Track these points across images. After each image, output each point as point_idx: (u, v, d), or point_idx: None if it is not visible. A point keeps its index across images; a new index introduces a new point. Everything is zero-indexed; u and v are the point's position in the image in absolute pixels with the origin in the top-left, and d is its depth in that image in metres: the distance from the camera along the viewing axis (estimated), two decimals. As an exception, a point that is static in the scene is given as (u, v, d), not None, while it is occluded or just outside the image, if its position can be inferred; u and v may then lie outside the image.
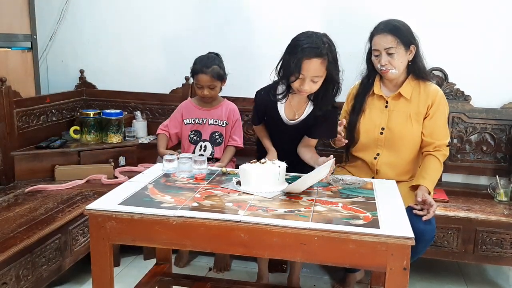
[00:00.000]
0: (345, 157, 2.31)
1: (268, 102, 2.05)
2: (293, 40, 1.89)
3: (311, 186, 1.72)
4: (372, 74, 2.15)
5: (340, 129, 2.08)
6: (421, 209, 1.86)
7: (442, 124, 2.08)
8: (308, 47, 1.80)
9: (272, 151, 2.10)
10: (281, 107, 2.05)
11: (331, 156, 1.76)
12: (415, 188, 1.99)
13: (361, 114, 2.13)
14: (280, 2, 2.78)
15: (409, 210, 1.84)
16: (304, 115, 2.06)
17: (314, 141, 2.15)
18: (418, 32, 2.08)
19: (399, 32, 2.00)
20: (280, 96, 1.99)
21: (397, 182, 1.87)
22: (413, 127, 2.07)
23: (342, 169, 2.25)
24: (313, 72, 1.82)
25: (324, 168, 1.67)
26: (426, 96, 2.06)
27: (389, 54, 2.00)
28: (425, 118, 2.07)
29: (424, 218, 1.83)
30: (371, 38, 2.07)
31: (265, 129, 2.21)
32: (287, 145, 2.13)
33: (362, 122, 2.13)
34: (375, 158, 2.12)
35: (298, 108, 2.05)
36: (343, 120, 2.09)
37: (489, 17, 2.56)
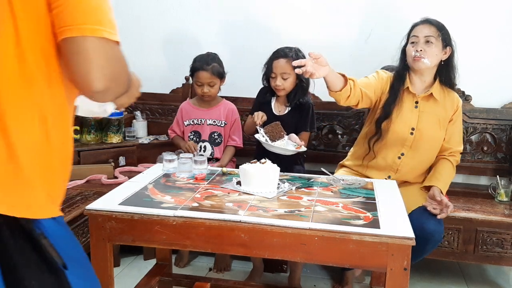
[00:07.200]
0: (367, 149, 2.11)
1: (264, 97, 2.40)
2: None
3: (310, 186, 1.75)
4: (404, 70, 2.07)
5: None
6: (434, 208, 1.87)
7: (460, 131, 2.08)
8: (276, 51, 2.28)
9: (258, 112, 2.23)
10: (273, 101, 2.39)
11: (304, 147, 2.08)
12: (427, 188, 2.00)
13: (395, 106, 2.03)
14: (280, 2, 2.78)
15: (421, 210, 1.84)
16: (289, 109, 2.36)
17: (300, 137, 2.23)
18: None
19: (442, 28, 1.99)
20: (267, 95, 2.39)
21: (411, 183, 1.85)
22: (441, 131, 2.05)
23: (349, 170, 2.18)
24: (280, 69, 2.23)
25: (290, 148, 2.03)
26: (452, 101, 2.05)
27: (427, 42, 1.96)
28: (448, 122, 2.06)
29: (438, 217, 1.84)
30: (411, 29, 2.03)
31: None
32: None
33: (393, 118, 2.04)
34: (399, 157, 2.06)
35: (286, 103, 2.37)
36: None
37: (490, 17, 2.56)
